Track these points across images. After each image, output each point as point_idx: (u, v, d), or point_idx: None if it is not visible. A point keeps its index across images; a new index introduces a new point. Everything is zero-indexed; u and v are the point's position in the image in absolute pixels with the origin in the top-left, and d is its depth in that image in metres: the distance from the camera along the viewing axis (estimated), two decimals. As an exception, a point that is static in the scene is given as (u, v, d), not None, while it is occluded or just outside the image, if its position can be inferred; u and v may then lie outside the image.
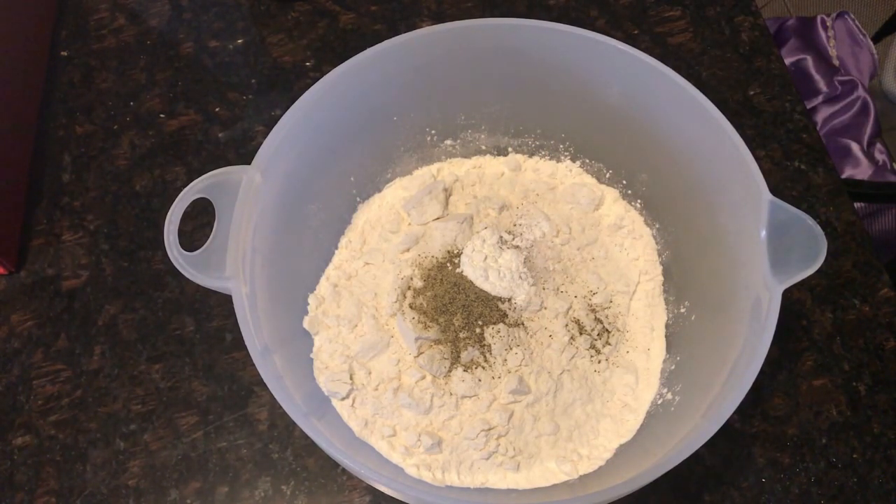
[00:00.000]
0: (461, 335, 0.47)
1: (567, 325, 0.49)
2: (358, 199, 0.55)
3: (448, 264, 0.50)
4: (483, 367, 0.47)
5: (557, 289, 0.50)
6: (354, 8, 0.69)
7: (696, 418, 0.41)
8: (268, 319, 0.42)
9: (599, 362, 0.49)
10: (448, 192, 0.55)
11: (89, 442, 0.53)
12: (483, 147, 0.57)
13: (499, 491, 0.46)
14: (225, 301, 0.56)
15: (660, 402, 0.48)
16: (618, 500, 0.38)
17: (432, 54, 0.49)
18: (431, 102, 0.53)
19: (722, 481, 0.50)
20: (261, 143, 0.44)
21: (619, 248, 0.54)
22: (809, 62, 0.93)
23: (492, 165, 0.57)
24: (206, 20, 0.69)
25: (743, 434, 0.51)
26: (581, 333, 0.49)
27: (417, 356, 0.47)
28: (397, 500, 0.42)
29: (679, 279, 0.52)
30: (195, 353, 0.55)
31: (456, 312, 0.48)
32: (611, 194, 0.55)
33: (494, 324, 0.47)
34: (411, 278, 0.50)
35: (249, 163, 0.43)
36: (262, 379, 0.39)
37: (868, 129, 0.91)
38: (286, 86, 0.65)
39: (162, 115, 0.65)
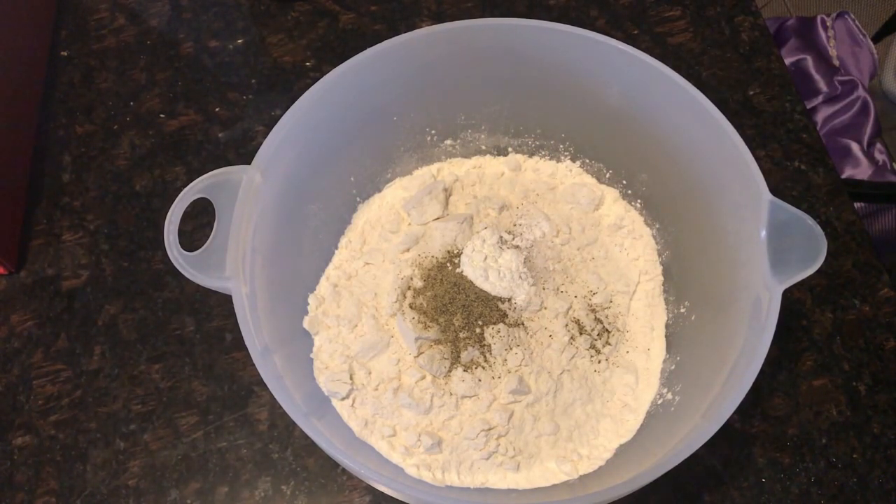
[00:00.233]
0: (461, 335, 0.47)
1: (567, 325, 0.49)
2: (358, 199, 0.55)
3: (448, 264, 0.50)
4: (483, 367, 0.47)
5: (557, 289, 0.50)
6: (354, 8, 0.69)
7: (696, 418, 0.41)
8: (268, 319, 0.42)
9: (599, 362, 0.49)
10: (448, 192, 0.55)
11: (89, 442, 0.53)
12: (483, 147, 0.57)
13: (499, 491, 0.46)
14: (225, 301, 0.56)
15: (660, 402, 0.48)
16: (618, 500, 0.38)
17: (432, 54, 0.49)
18: (431, 102, 0.53)
19: (722, 481, 0.50)
20: (261, 143, 0.44)
21: (619, 248, 0.54)
22: (809, 62, 0.93)
23: (492, 165, 0.57)
24: (206, 20, 0.69)
25: (743, 434, 0.51)
26: (581, 333, 0.49)
27: (417, 356, 0.47)
28: (397, 500, 0.42)
29: (679, 279, 0.52)
30: (195, 353, 0.55)
31: (456, 312, 0.48)
32: (611, 194, 0.55)
33: (494, 324, 0.47)
34: (411, 278, 0.50)
35: (249, 163, 0.43)
36: (262, 379, 0.39)
37: (868, 129, 0.91)
38: (286, 86, 0.65)
39: (162, 115, 0.65)
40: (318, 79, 0.46)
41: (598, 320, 0.50)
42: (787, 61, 0.93)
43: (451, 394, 0.46)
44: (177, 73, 0.66)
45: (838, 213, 0.59)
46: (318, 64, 0.66)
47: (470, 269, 0.49)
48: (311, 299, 0.50)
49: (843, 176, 0.87)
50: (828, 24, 0.96)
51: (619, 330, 0.50)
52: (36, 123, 0.64)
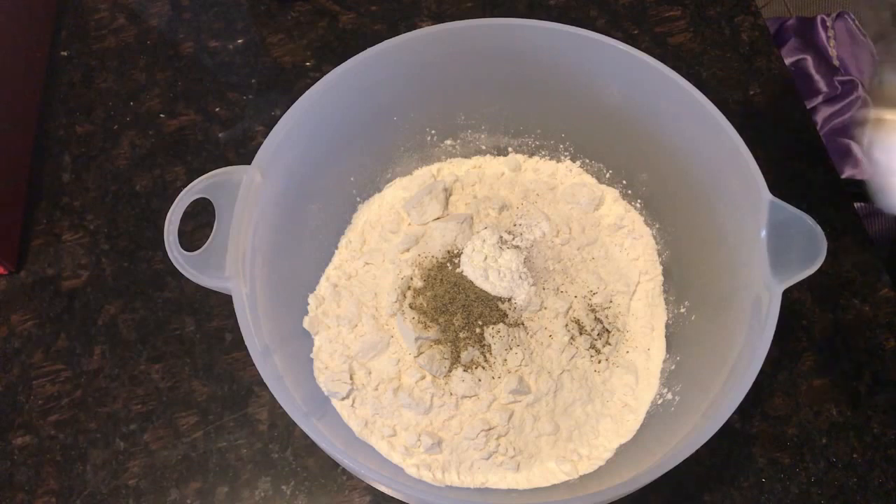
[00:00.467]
0: (461, 335, 0.47)
1: (567, 325, 0.49)
2: (358, 199, 0.55)
3: (448, 264, 0.50)
4: (483, 367, 0.47)
5: (557, 289, 0.50)
6: (354, 8, 0.69)
7: (696, 418, 0.41)
8: (268, 319, 0.42)
9: (599, 362, 0.49)
10: (448, 192, 0.55)
11: (89, 442, 0.53)
12: (483, 147, 0.57)
13: (499, 491, 0.46)
14: (225, 301, 0.56)
15: (660, 402, 0.48)
16: (618, 500, 0.38)
17: (432, 54, 0.48)
18: (431, 102, 0.53)
19: (722, 481, 0.50)
20: (261, 143, 0.44)
21: (619, 248, 0.54)
22: (809, 62, 0.93)
23: (492, 165, 0.57)
24: (206, 20, 0.69)
25: (743, 434, 0.51)
26: (581, 333, 0.49)
27: (417, 356, 0.47)
28: (397, 500, 0.42)
29: (679, 279, 0.52)
30: (195, 353, 0.55)
31: (456, 312, 0.48)
32: (611, 194, 0.55)
33: (494, 324, 0.47)
34: (411, 278, 0.50)
35: (249, 163, 0.43)
36: (262, 379, 0.39)
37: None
38: (286, 86, 0.65)
39: (162, 115, 0.65)
40: (318, 79, 0.46)
41: (598, 320, 0.50)
42: (787, 61, 0.93)
43: (451, 394, 0.46)
44: (177, 73, 0.66)
45: (838, 213, 0.59)
46: (318, 64, 0.66)
47: (470, 269, 0.49)
48: (311, 299, 0.50)
49: (843, 176, 0.87)
50: (828, 24, 0.96)
51: (619, 330, 0.50)
52: (36, 123, 0.64)
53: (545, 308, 0.49)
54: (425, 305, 0.48)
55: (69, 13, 0.69)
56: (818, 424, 0.52)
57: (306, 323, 0.49)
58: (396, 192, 0.55)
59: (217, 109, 0.65)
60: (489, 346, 0.47)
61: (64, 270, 0.58)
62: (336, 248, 0.53)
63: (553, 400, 0.47)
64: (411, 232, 0.52)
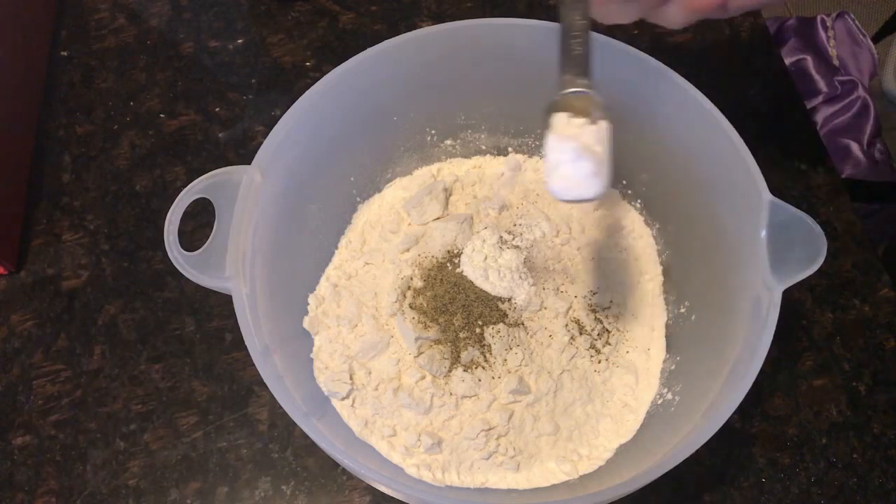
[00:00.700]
0: (461, 335, 0.47)
1: (567, 325, 0.49)
2: (358, 199, 0.55)
3: (448, 264, 0.50)
4: (483, 367, 0.47)
5: (557, 289, 0.50)
6: (354, 8, 0.69)
7: (696, 418, 0.41)
8: (268, 319, 0.42)
9: (599, 362, 0.49)
10: (448, 192, 0.55)
11: (89, 442, 0.53)
12: (483, 147, 0.57)
13: (499, 491, 0.46)
14: (225, 301, 0.56)
15: (660, 402, 0.48)
16: (618, 500, 0.38)
17: (432, 54, 0.48)
18: (431, 102, 0.53)
19: (722, 481, 0.50)
20: (261, 143, 0.44)
21: (619, 248, 0.54)
22: (809, 62, 0.93)
23: (492, 165, 0.57)
24: (206, 20, 0.69)
25: (743, 434, 0.51)
26: (581, 333, 0.49)
27: (417, 356, 0.47)
28: (397, 500, 0.42)
29: (679, 279, 0.52)
30: (195, 353, 0.55)
31: (456, 312, 0.48)
32: (611, 194, 0.55)
33: (494, 324, 0.47)
34: (411, 278, 0.50)
35: (249, 163, 0.43)
36: (262, 379, 0.39)
37: (868, 129, 0.90)
38: (286, 86, 0.65)
39: (162, 115, 0.64)
40: (318, 79, 0.46)
41: (598, 320, 0.50)
42: (787, 61, 0.93)
43: (451, 394, 0.46)
44: (177, 73, 0.66)
45: (838, 213, 0.59)
46: (318, 64, 0.66)
47: (470, 269, 0.49)
48: (311, 299, 0.50)
49: (843, 176, 0.87)
50: (828, 24, 0.96)
51: (619, 330, 0.50)
52: (36, 123, 0.64)
53: (545, 308, 0.49)
54: (425, 305, 0.48)
55: (69, 13, 0.69)
56: (818, 424, 0.52)
57: (306, 323, 0.49)
58: (396, 192, 0.55)
59: (217, 109, 0.65)
60: (489, 346, 0.47)
61: (64, 270, 0.58)
62: (336, 248, 0.53)
63: (553, 400, 0.47)
64: (411, 232, 0.52)
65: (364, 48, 0.47)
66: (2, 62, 0.60)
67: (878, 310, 0.55)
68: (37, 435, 0.53)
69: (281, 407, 0.39)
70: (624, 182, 0.54)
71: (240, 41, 0.68)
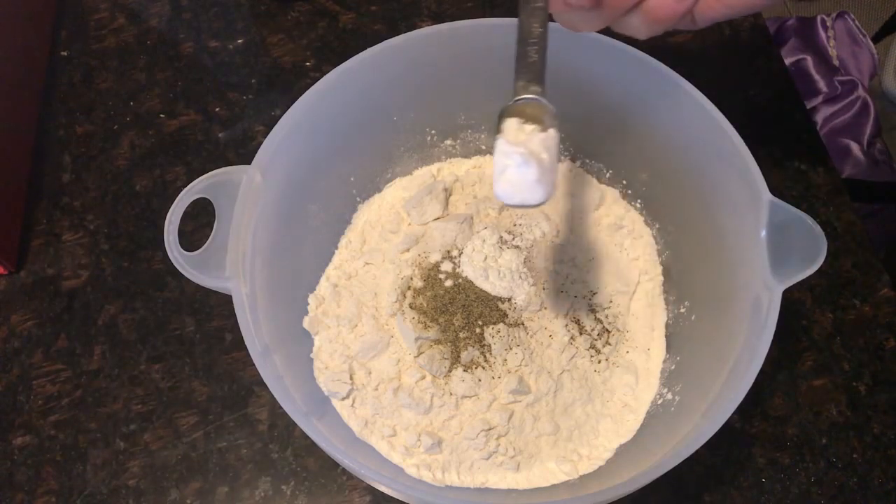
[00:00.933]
0: (461, 335, 0.47)
1: (567, 325, 0.49)
2: (358, 199, 0.55)
3: (448, 264, 0.50)
4: (483, 367, 0.47)
5: (557, 289, 0.50)
6: (354, 8, 0.69)
7: (696, 418, 0.41)
8: (268, 319, 0.42)
9: (599, 362, 0.49)
10: (448, 192, 0.55)
11: (89, 442, 0.53)
12: (483, 147, 0.57)
13: (499, 491, 0.46)
14: (225, 301, 0.56)
15: (660, 402, 0.48)
16: (618, 500, 0.38)
17: (432, 54, 0.48)
18: (431, 102, 0.53)
19: (722, 481, 0.50)
20: (261, 143, 0.44)
21: (619, 248, 0.54)
22: (809, 62, 0.93)
23: (492, 165, 0.57)
24: (206, 20, 0.69)
25: (743, 434, 0.51)
26: (581, 333, 0.49)
27: (417, 356, 0.47)
28: (397, 500, 0.42)
29: (679, 279, 0.52)
30: (195, 353, 0.55)
31: (456, 312, 0.48)
32: (611, 194, 0.55)
33: (494, 324, 0.47)
34: (411, 278, 0.50)
35: (249, 163, 0.43)
36: (262, 379, 0.39)
37: (868, 129, 0.90)
38: (286, 86, 0.65)
39: (162, 115, 0.65)
40: (318, 79, 0.46)
41: (598, 320, 0.50)
42: (787, 61, 0.93)
43: (451, 394, 0.46)
44: (177, 73, 0.66)
45: (838, 213, 0.59)
46: (318, 64, 0.66)
47: (470, 269, 0.49)
48: (311, 299, 0.50)
49: (843, 176, 0.87)
50: (828, 24, 0.96)
51: (619, 330, 0.50)
52: (36, 123, 0.64)
53: (545, 308, 0.49)
54: (425, 305, 0.48)
55: (69, 13, 0.69)
56: (818, 424, 0.52)
57: (306, 323, 0.49)
58: (396, 192, 0.55)
59: (217, 109, 0.65)
60: (489, 346, 0.47)
61: (64, 270, 0.58)
62: (336, 248, 0.53)
63: (553, 400, 0.47)
64: (411, 232, 0.52)
65: (364, 48, 0.47)
66: (2, 62, 0.60)
67: (878, 310, 0.55)
68: (37, 435, 0.53)
69: (281, 407, 0.39)
70: (624, 182, 0.54)
71: (240, 41, 0.68)
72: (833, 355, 0.54)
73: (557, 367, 0.48)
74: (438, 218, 0.53)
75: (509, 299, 0.48)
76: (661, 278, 0.52)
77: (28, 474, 0.52)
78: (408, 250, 0.52)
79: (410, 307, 0.49)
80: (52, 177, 0.62)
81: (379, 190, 0.56)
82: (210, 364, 0.55)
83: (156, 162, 0.62)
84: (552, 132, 0.37)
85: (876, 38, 1.03)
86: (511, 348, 0.47)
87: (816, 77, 0.92)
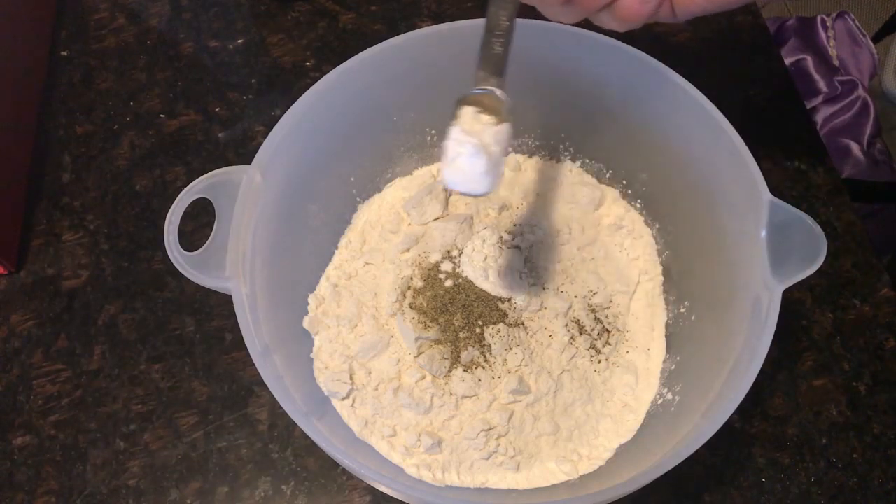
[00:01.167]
0: (461, 335, 0.47)
1: (567, 325, 0.49)
2: (358, 199, 0.55)
3: (448, 264, 0.50)
4: (483, 367, 0.47)
5: (557, 289, 0.50)
6: (354, 8, 0.69)
7: (696, 418, 0.41)
8: (268, 319, 0.42)
9: (599, 362, 0.49)
10: (448, 193, 0.54)
11: (89, 442, 0.53)
12: (483, 147, 0.57)
13: (499, 491, 0.46)
14: (225, 301, 0.56)
15: (660, 402, 0.48)
16: (618, 500, 0.38)
17: (432, 54, 0.48)
18: (431, 102, 0.53)
19: (722, 481, 0.50)
20: (261, 143, 0.44)
21: (619, 248, 0.54)
22: (809, 62, 0.93)
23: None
24: (206, 20, 0.69)
25: (743, 434, 0.51)
26: (581, 333, 0.49)
27: (417, 356, 0.47)
28: (397, 500, 0.42)
29: (679, 279, 0.52)
30: (195, 353, 0.55)
31: (456, 312, 0.48)
32: (611, 194, 0.55)
33: (494, 324, 0.47)
34: (411, 278, 0.50)
35: (249, 163, 0.43)
36: (262, 379, 0.39)
37: (868, 129, 0.90)
38: (286, 86, 0.65)
39: (162, 115, 0.65)
40: (318, 79, 0.46)
41: (598, 320, 0.50)
42: (787, 61, 0.93)
43: (451, 394, 0.46)
44: (177, 73, 0.66)
45: (838, 213, 0.59)
46: (318, 64, 0.66)
47: (470, 269, 0.49)
48: (311, 299, 0.50)
49: (843, 176, 0.87)
50: (828, 24, 0.96)
51: (619, 330, 0.50)
52: (36, 123, 0.64)
53: (545, 308, 0.49)
54: (425, 305, 0.48)
55: (69, 13, 0.69)
56: (818, 424, 0.52)
57: (306, 323, 0.49)
58: (396, 192, 0.55)
59: (217, 109, 0.65)
60: (489, 346, 0.47)
61: (64, 270, 0.58)
62: (336, 248, 0.53)
63: (553, 400, 0.47)
64: (411, 232, 0.52)
65: (364, 48, 0.47)
66: (2, 62, 0.60)
67: (878, 310, 0.55)
68: (37, 435, 0.53)
69: (281, 407, 0.39)
70: (624, 182, 0.54)
71: (240, 41, 0.68)
72: (833, 355, 0.54)
73: (557, 367, 0.48)
74: (438, 218, 0.53)
75: (509, 299, 0.48)
76: (661, 278, 0.52)
77: (28, 474, 0.52)
78: (408, 250, 0.52)
79: (410, 307, 0.49)
80: (52, 177, 0.62)
81: (379, 190, 0.56)
82: (210, 364, 0.55)
83: (156, 162, 0.62)
84: (505, 126, 0.38)
85: (876, 38, 1.03)
86: (511, 348, 0.47)
87: (816, 77, 0.92)
